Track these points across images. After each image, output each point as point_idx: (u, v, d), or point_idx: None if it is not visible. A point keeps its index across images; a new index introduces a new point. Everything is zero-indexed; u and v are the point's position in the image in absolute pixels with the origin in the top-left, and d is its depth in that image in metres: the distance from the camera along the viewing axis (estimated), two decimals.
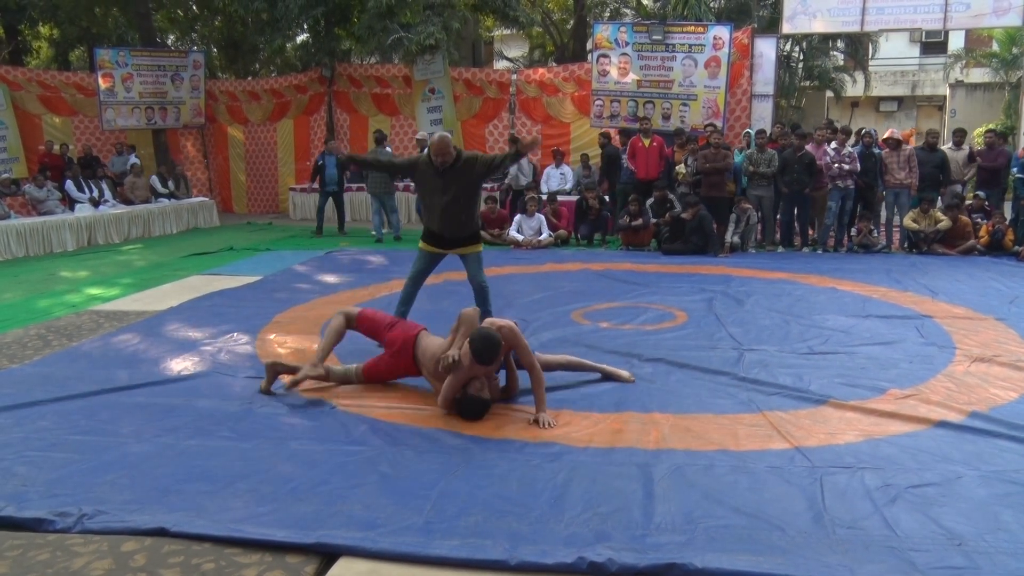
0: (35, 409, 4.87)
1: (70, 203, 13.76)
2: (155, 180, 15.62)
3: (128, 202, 14.67)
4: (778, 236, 11.83)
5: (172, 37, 23.84)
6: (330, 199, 13.88)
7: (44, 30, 22.46)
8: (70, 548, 3.23)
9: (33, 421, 4.67)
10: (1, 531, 3.38)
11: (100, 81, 15.90)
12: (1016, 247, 10.66)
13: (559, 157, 14.44)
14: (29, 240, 12.04)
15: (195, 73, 17.18)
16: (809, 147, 11.29)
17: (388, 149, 13.99)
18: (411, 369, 5.24)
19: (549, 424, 4.55)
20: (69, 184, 13.93)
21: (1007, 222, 11.05)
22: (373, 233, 13.21)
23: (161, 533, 3.33)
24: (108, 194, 14.43)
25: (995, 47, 22.57)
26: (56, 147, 15.62)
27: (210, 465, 4.03)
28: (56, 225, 12.57)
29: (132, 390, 5.26)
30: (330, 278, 9.41)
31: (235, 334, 6.74)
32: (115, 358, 6.05)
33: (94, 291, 9.02)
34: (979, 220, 11.05)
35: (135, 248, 12.70)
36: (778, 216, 11.79)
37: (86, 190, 14.03)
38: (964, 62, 24.05)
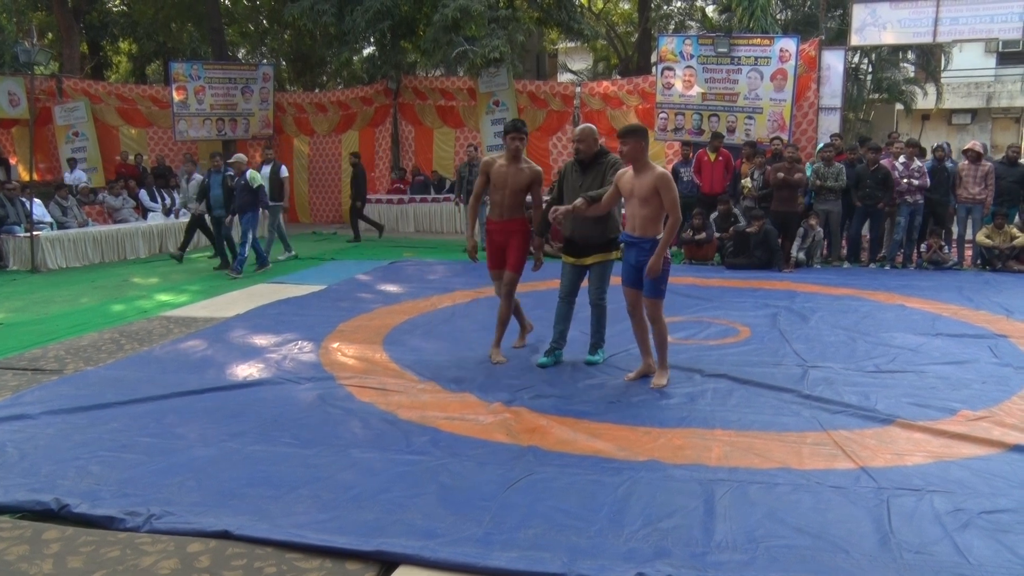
0: (108, 411, 5.03)
1: (143, 212, 14.20)
2: None
3: None
4: (844, 251, 11.60)
5: (243, 51, 24.49)
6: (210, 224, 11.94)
7: (124, 46, 23.31)
8: (139, 547, 3.32)
9: (106, 422, 4.82)
10: (76, 527, 3.50)
11: (174, 94, 16.43)
12: None
13: None
14: (105, 247, 12.48)
15: (264, 85, 17.60)
16: (884, 161, 11.04)
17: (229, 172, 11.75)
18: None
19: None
20: (143, 193, 14.38)
21: None
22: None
23: (225, 536, 3.40)
24: (179, 202, 14.83)
25: None
26: (131, 157, 16.15)
27: (273, 471, 4.11)
28: (130, 233, 12.99)
29: (199, 395, 5.39)
30: (392, 288, 9.51)
31: (299, 342, 6.86)
32: (183, 363, 6.21)
33: (164, 297, 9.28)
34: None
35: (204, 256, 13.02)
36: (845, 231, 11.55)
37: (158, 199, 14.46)
38: None
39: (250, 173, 10.92)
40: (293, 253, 12.50)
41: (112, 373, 5.92)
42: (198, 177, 12.21)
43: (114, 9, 21.90)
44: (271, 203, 12.05)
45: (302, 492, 3.84)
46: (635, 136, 5.35)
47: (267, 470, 4.12)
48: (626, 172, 5.46)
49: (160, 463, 4.19)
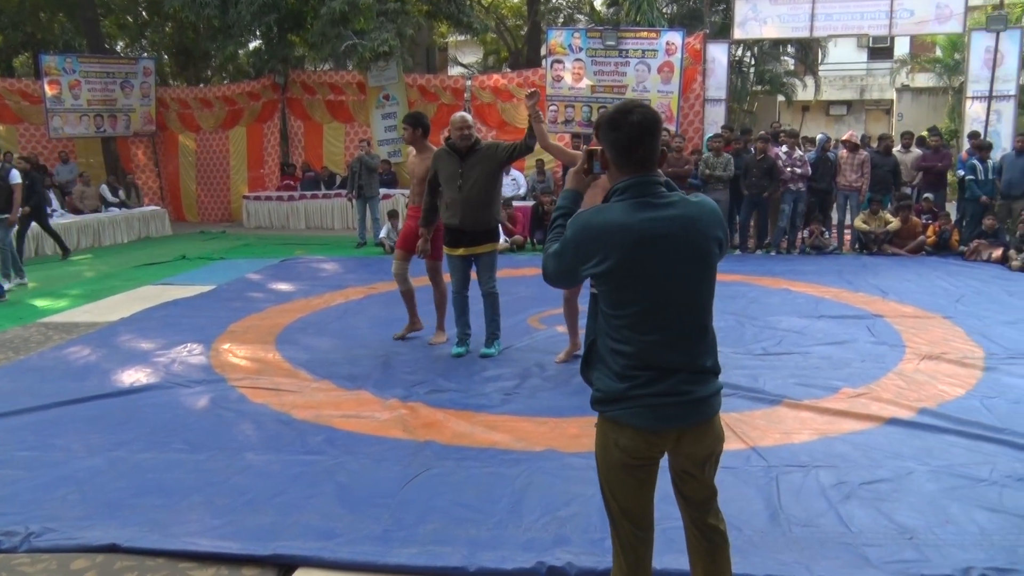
0: None
1: None
2: (105, 189, 15.34)
3: (77, 211, 14.39)
4: (734, 239, 11.96)
5: (121, 43, 23.44)
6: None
7: None
8: (17, 568, 3.15)
9: None
10: None
11: (46, 88, 15.56)
12: (961, 247, 10.90)
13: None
14: None
15: (145, 80, 16.92)
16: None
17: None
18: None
19: None
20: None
21: (952, 222, 11.32)
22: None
23: (113, 549, 3.27)
24: (56, 203, 14.11)
25: (938, 52, 23.12)
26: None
27: (164, 478, 3.97)
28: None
29: (83, 403, 5.16)
30: (284, 286, 9.31)
31: (189, 344, 6.65)
32: (65, 371, 5.93)
33: (42, 303, 8.82)
34: (927, 221, 11.30)
35: (85, 258, 12.45)
36: (736, 219, 11.92)
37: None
38: (909, 67, 24.63)
39: None
40: (24, 280, 9.95)
41: None
42: None
43: None
44: None
45: (195, 499, 3.73)
46: None
47: (157, 478, 3.98)
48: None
49: (40, 477, 3.99)
